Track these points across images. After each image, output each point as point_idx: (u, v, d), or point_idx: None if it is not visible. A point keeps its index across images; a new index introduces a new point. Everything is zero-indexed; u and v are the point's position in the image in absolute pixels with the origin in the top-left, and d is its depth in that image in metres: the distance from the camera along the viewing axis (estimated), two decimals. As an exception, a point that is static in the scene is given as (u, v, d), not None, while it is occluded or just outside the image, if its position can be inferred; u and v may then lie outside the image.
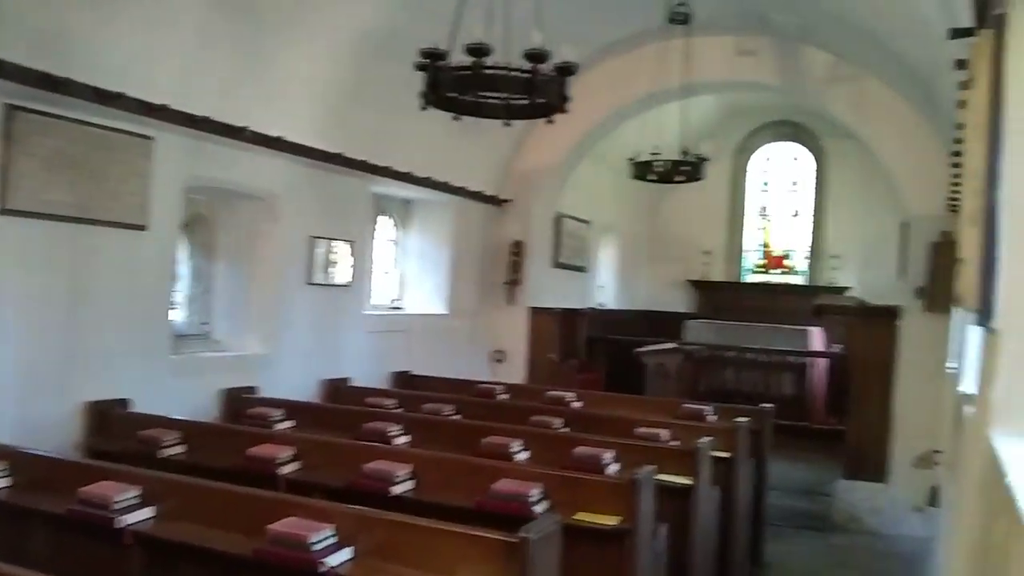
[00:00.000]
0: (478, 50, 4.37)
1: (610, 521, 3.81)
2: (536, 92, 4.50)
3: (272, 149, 6.38)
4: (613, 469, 4.75)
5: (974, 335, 3.89)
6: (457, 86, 4.58)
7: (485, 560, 2.91)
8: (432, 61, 4.54)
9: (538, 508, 3.87)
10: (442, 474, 4.27)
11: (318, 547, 3.02)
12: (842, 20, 7.03)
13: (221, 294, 6.79)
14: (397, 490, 4.14)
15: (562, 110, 4.73)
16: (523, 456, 4.99)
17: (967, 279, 2.35)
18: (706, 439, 4.92)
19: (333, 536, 3.12)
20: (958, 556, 2.55)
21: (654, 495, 4.02)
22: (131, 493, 3.50)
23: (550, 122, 4.99)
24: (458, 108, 4.91)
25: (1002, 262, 2.24)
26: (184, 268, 6.62)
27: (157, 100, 5.29)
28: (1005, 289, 2.23)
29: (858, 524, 7.76)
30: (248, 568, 3.14)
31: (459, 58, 4.51)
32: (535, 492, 3.90)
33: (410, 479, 4.25)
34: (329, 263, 7.26)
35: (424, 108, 4.76)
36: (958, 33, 2.97)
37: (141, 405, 5.41)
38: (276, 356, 6.77)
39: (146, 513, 3.47)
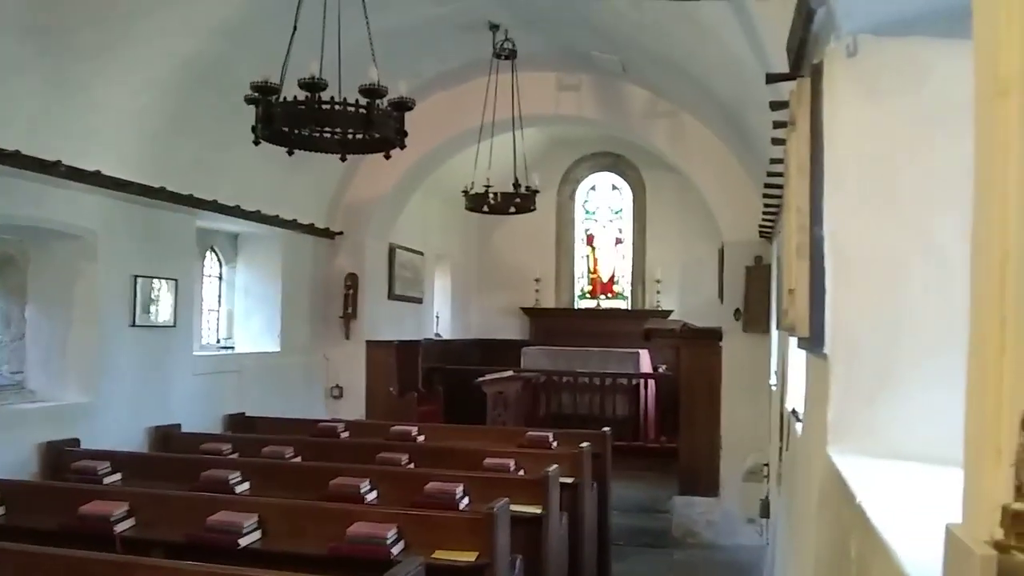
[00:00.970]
0: (312, 85, 4.33)
1: (468, 557, 3.80)
2: (373, 128, 4.50)
3: (89, 184, 6.00)
4: (465, 503, 4.76)
5: (797, 356, 4.18)
6: (291, 121, 4.50)
7: (347, 610, 2.84)
8: (264, 95, 4.45)
9: (395, 550, 3.81)
10: (291, 521, 4.13)
11: (167, 611, 2.85)
12: (659, 59, 7.43)
13: (35, 340, 6.29)
14: (244, 542, 3.97)
15: (400, 145, 4.75)
16: (372, 496, 4.91)
17: (798, 308, 2.53)
18: (553, 467, 5.01)
19: (182, 598, 2.95)
20: (803, 569, 2.72)
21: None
22: (-52, 568, 3.18)
23: (387, 157, 4.99)
24: (292, 143, 4.82)
25: (828, 293, 2.42)
26: (-10, 314, 6.10)
27: (-42, 134, 4.89)
28: (832, 318, 2.41)
29: (696, 538, 8.13)
30: (89, 641, 2.92)
31: (292, 91, 4.45)
32: (391, 533, 3.85)
33: (257, 529, 4.09)
34: (153, 303, 6.90)
35: (256, 143, 4.65)
36: (774, 78, 3.20)
37: (-52, 466, 4.93)
38: (99, 404, 6.33)
39: (-35, 589, 3.16)
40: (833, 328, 2.41)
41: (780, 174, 4.95)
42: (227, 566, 3.19)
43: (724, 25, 4.95)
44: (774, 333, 6.93)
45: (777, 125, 3.87)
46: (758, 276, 8.04)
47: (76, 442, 5.99)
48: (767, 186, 5.40)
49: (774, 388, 6.34)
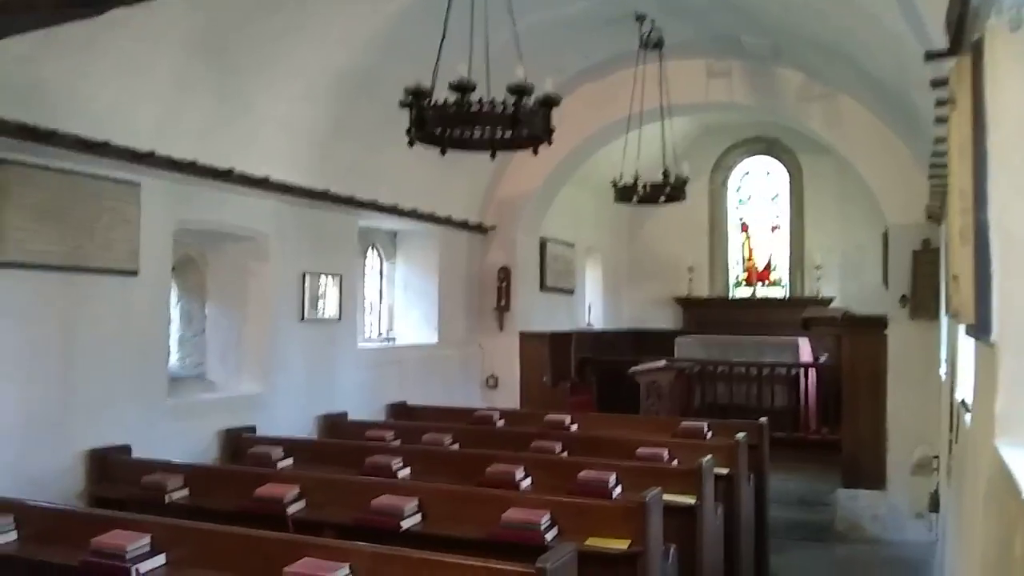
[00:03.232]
0: (462, 87, 4.46)
1: (621, 545, 3.85)
2: (521, 125, 4.58)
3: (259, 189, 6.41)
4: (618, 492, 4.80)
5: (967, 344, 3.98)
6: (443, 122, 4.65)
7: (504, 592, 2.94)
8: (416, 99, 4.62)
9: (549, 535, 3.91)
10: (450, 506, 4.30)
11: (336, 587, 3.05)
12: (812, 41, 7.18)
13: (214, 335, 6.80)
14: (406, 524, 4.16)
15: (547, 141, 4.82)
16: (527, 483, 5.03)
17: (963, 295, 2.42)
18: (708, 457, 4.97)
19: (350, 575, 3.14)
20: (970, 568, 2.61)
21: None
22: (142, 541, 3.51)
23: (535, 153, 5.08)
24: (444, 143, 4.98)
25: (995, 279, 2.31)
26: (175, 311, 6.63)
27: (142, 147, 5.32)
28: (999, 305, 2.30)
29: (859, 532, 7.84)
30: (268, 612, 3.15)
31: (443, 94, 4.60)
32: (545, 520, 3.94)
33: (418, 512, 4.28)
34: (320, 299, 7.30)
35: (411, 144, 4.84)
36: (933, 55, 3.06)
37: (140, 450, 5.41)
38: (272, 395, 6.77)
39: (158, 561, 3.48)
40: (1000, 315, 2.31)
41: (944, 153, 4.72)
42: (391, 547, 3.36)
43: (880, 1, 4.75)
44: (943, 320, 6.58)
45: (940, 103, 3.70)
46: (926, 260, 7.65)
47: (252, 429, 6.43)
48: (933, 166, 5.13)
49: (944, 377, 6.02)
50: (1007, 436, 2.25)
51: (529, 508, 4.06)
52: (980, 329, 2.41)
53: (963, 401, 3.96)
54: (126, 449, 5.34)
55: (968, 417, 3.53)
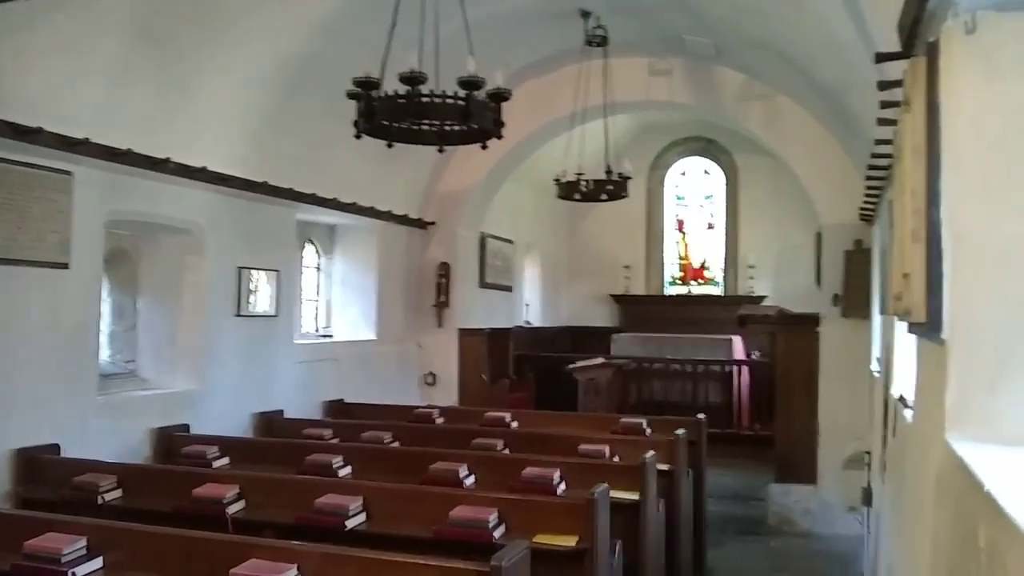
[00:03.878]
0: (412, 79, 4.39)
1: (569, 542, 3.84)
2: (472, 119, 4.54)
3: (196, 180, 6.24)
4: (562, 488, 4.80)
5: (907, 342, 4.07)
6: (392, 114, 4.58)
7: (456, 591, 2.90)
8: (365, 90, 4.54)
9: (497, 533, 3.88)
10: (395, 504, 4.24)
11: (284, 589, 2.97)
12: (754, 41, 7.28)
13: (146, 331, 6.59)
14: (351, 524, 4.09)
15: (498, 136, 4.78)
16: (471, 481, 4.99)
17: (913, 293, 2.46)
18: (651, 454, 5.00)
19: (298, 576, 3.06)
20: (918, 558, 2.66)
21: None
22: (78, 544, 3.36)
23: (484, 147, 5.04)
24: (392, 135, 4.90)
25: (946, 278, 2.35)
26: (106, 305, 6.40)
27: (76, 134, 5.13)
28: (950, 303, 2.34)
29: (792, 526, 8.00)
30: (212, 615, 3.06)
31: (392, 85, 4.52)
32: (492, 517, 3.91)
33: (362, 511, 4.21)
34: (256, 293, 7.13)
35: (358, 137, 4.74)
36: (884, 57, 3.12)
37: (70, 450, 5.21)
38: (206, 391, 6.59)
39: (96, 564, 3.34)
40: (951, 313, 2.35)
41: (886, 155, 4.82)
42: (341, 547, 3.29)
43: (825, 3, 4.83)
44: (876, 318, 6.75)
45: (885, 105, 3.77)
46: (858, 260, 7.83)
47: (186, 428, 6.25)
48: (871, 168, 5.25)
49: (877, 374, 6.17)
50: (958, 431, 2.29)
51: (476, 506, 4.02)
52: (931, 327, 2.45)
53: (901, 397, 4.05)
54: (55, 448, 5.13)
55: (909, 413, 3.62)
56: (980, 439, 2.20)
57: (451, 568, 2.96)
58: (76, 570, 3.24)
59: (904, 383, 4.28)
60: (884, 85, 3.47)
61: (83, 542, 3.38)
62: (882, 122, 4.09)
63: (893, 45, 3.08)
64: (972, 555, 1.70)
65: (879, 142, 4.56)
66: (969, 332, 2.31)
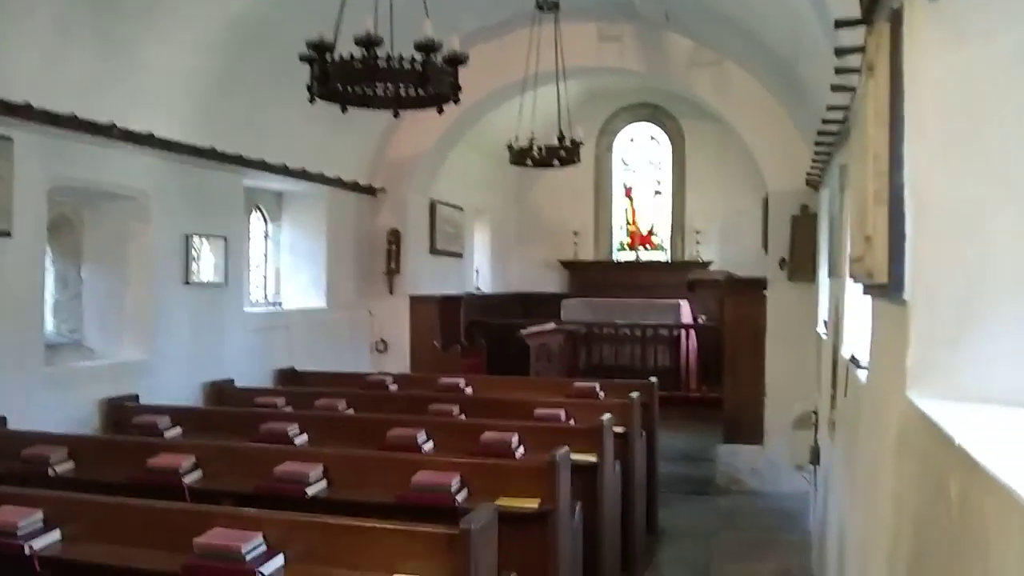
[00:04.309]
0: (369, 41, 4.31)
1: (531, 504, 3.88)
2: (429, 83, 4.48)
3: (141, 146, 6.07)
4: (520, 452, 4.84)
5: (859, 304, 4.17)
6: (347, 78, 4.50)
7: (425, 555, 2.92)
8: (319, 53, 4.44)
9: (460, 497, 3.90)
10: (355, 471, 4.23)
11: (251, 556, 2.95)
12: (704, 7, 7.31)
13: (91, 300, 6.43)
14: (312, 491, 4.07)
15: (454, 100, 4.73)
16: (429, 446, 5.00)
17: (876, 255, 2.52)
18: (607, 416, 5.06)
19: (262, 544, 3.04)
20: (877, 514, 2.75)
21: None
22: (34, 517, 3.29)
23: (440, 112, 4.99)
24: (346, 100, 4.81)
25: (908, 240, 2.41)
26: (48, 275, 6.22)
27: (16, 98, 4.94)
28: (912, 264, 2.40)
29: (740, 485, 8.20)
30: (178, 585, 3.02)
31: (345, 49, 4.44)
32: (455, 481, 3.93)
33: (323, 479, 4.19)
34: (204, 261, 6.99)
35: (312, 101, 4.66)
36: (844, 23, 3.15)
37: (17, 422, 5.07)
38: (155, 361, 6.47)
39: (53, 536, 3.28)
40: (913, 274, 2.41)
41: (837, 121, 4.90)
42: (306, 513, 3.27)
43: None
44: (823, 281, 6.89)
45: (840, 71, 3.82)
46: (804, 225, 7.98)
47: (135, 398, 6.14)
48: (821, 133, 5.33)
49: (824, 336, 6.31)
50: (919, 388, 2.36)
51: (437, 471, 4.03)
52: (892, 288, 2.51)
53: (852, 357, 4.15)
54: (1, 421, 4.99)
55: (862, 373, 3.71)
56: (941, 396, 2.27)
57: (419, 532, 2.97)
58: (33, 543, 3.18)
59: (855, 344, 4.39)
60: (841, 52, 3.52)
61: (39, 514, 3.31)
62: (836, 88, 4.14)
63: (849, 12, 3.11)
64: (942, 508, 1.76)
65: (831, 108, 4.63)
66: (930, 292, 2.37)
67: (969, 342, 2.31)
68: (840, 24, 3.20)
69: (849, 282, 4.36)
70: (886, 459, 2.66)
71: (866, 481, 3.20)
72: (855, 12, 3.02)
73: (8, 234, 5.09)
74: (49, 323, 6.20)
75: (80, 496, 3.54)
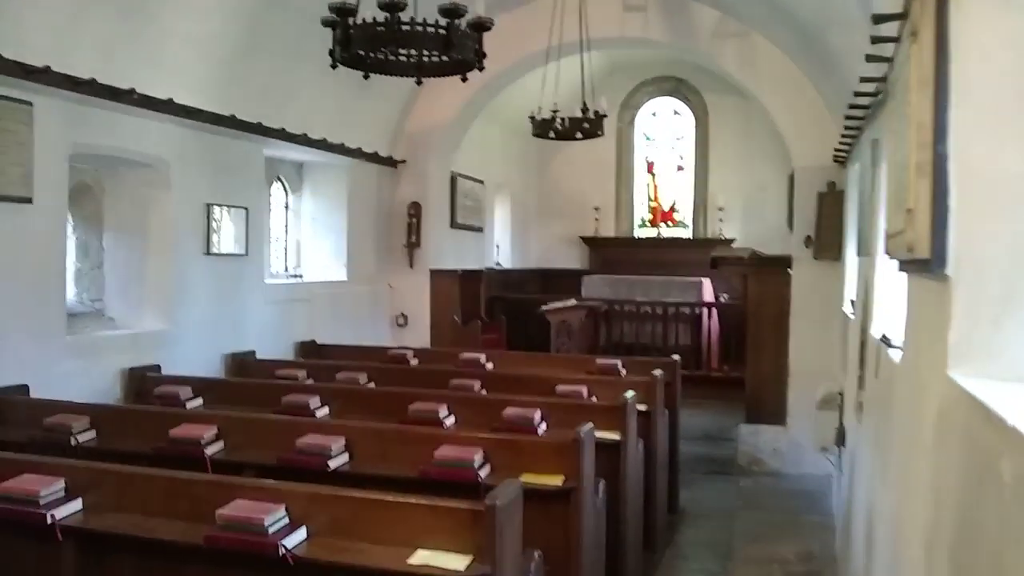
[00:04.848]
0: (392, 5, 4.23)
1: (555, 481, 3.83)
2: (453, 49, 4.39)
3: (161, 112, 6.02)
4: (543, 428, 4.79)
5: (893, 281, 4.07)
6: (370, 43, 4.42)
7: (450, 531, 2.87)
8: (341, 16, 4.37)
9: (483, 473, 3.86)
10: (377, 445, 4.19)
11: (274, 529, 2.92)
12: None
13: (113, 269, 6.42)
14: (334, 464, 4.04)
15: (479, 67, 4.65)
16: (451, 421, 4.96)
17: (917, 228, 2.43)
18: (631, 394, 5.00)
19: (285, 517, 3.01)
20: (914, 496, 2.67)
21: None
22: (56, 486, 3.28)
23: (464, 79, 4.90)
24: (368, 66, 4.74)
25: (952, 213, 2.32)
26: (70, 243, 6.21)
27: (36, 62, 4.90)
28: (956, 239, 2.31)
29: (762, 466, 8.12)
30: (199, 557, 3.00)
31: (368, 13, 4.36)
32: (478, 457, 3.89)
33: (345, 452, 4.16)
34: (225, 231, 6.96)
35: (334, 66, 4.58)
36: (885, -11, 3.04)
37: (39, 391, 5.08)
38: (176, 332, 6.46)
39: (75, 506, 3.26)
40: (957, 248, 2.32)
41: (870, 94, 4.77)
42: (329, 486, 3.24)
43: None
44: (851, 260, 6.77)
45: (876, 40, 3.70)
46: (831, 202, 7.84)
47: (157, 368, 6.14)
48: (852, 107, 5.19)
49: (851, 316, 6.21)
50: (961, 367, 2.28)
51: (460, 445, 3.99)
52: (935, 263, 2.42)
53: (884, 337, 4.06)
54: (23, 389, 5.00)
55: (895, 353, 3.62)
56: (985, 375, 2.19)
57: (444, 507, 2.93)
58: (55, 512, 3.16)
59: (887, 324, 4.30)
60: (878, 18, 3.40)
61: (61, 483, 3.29)
62: (871, 58, 4.02)
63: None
64: (991, 491, 1.69)
65: (864, 80, 4.50)
66: (974, 267, 2.28)
67: (1016, 319, 2.23)
68: (882, -10, 3.08)
69: (881, 260, 4.26)
70: (924, 441, 2.58)
71: (901, 464, 3.12)
72: (894, -23, 2.91)
73: (30, 200, 5.07)
74: (71, 292, 6.20)
75: (102, 465, 3.51)
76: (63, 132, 5.34)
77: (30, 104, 5.04)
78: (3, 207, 4.92)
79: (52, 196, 5.29)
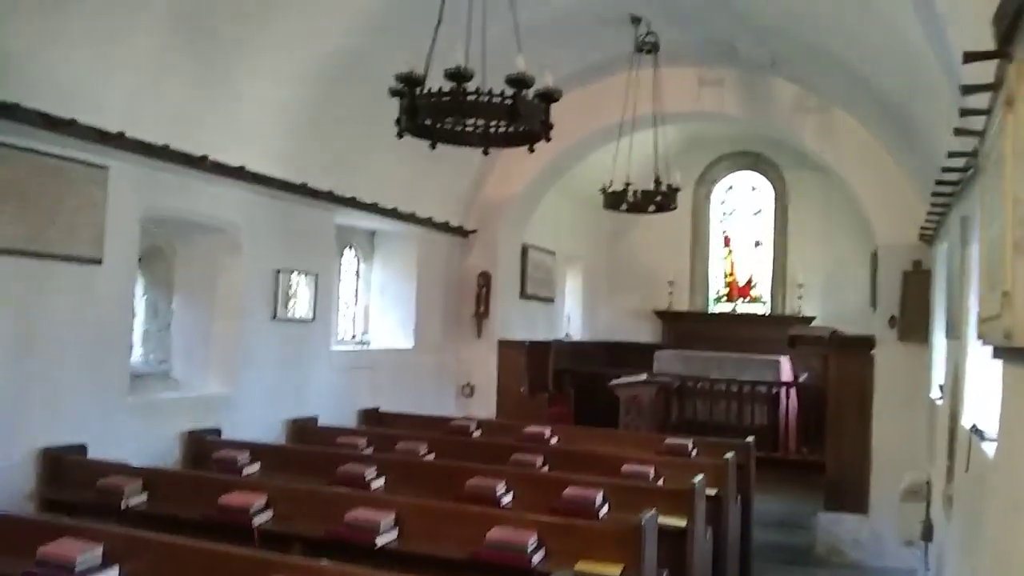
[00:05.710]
0: (459, 75, 4.19)
1: (613, 571, 3.59)
2: (518, 119, 4.33)
3: (233, 179, 6.10)
4: (604, 511, 4.55)
5: (984, 367, 3.78)
6: (436, 113, 4.38)
7: (493, 623, 2.67)
8: (408, 87, 4.35)
9: (535, 558, 3.64)
10: (429, 522, 4.02)
11: (308, 612, 2.77)
12: (811, 49, 7.01)
13: (180, 331, 6.46)
14: (382, 541, 3.88)
15: (546, 138, 4.56)
16: (508, 498, 4.76)
17: (1016, 313, 2.20)
18: (699, 477, 4.73)
19: (322, 599, 2.86)
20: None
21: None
22: (94, 551, 3.19)
23: (531, 150, 4.82)
24: (435, 136, 4.70)
25: (1055, 295, 2.09)
26: (140, 304, 6.29)
27: (111, 127, 5.00)
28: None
29: (841, 557, 7.65)
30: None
31: (436, 83, 4.33)
32: (532, 541, 3.68)
33: (394, 528, 4.00)
34: (293, 297, 6.98)
35: (400, 136, 4.55)
36: (975, 56, 2.85)
37: (98, 451, 5.07)
38: (239, 396, 6.44)
39: (111, 573, 3.17)
40: (1059, 336, 2.09)
41: (959, 169, 4.53)
42: (365, 568, 3.08)
43: (892, 1, 4.56)
44: (939, 342, 6.42)
45: (965, 112, 3.48)
46: (917, 282, 7.49)
47: (217, 432, 6.10)
48: (939, 183, 4.95)
49: (939, 402, 5.84)
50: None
51: (514, 527, 3.79)
52: (1035, 351, 2.19)
53: (975, 428, 3.75)
54: (82, 449, 4.99)
55: (989, 447, 3.32)
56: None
57: (488, 598, 2.73)
58: (90, 580, 3.07)
59: (978, 413, 3.98)
60: (968, 89, 3.19)
61: (99, 549, 3.21)
62: (959, 132, 3.81)
63: (978, 44, 2.81)
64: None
65: (952, 154, 4.27)
66: (1082, 358, 2.05)
67: None
68: (970, 57, 2.89)
69: (973, 344, 3.97)
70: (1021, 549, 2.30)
71: (1000, 568, 2.81)
72: (986, 44, 2.72)
73: (99, 261, 5.14)
74: (138, 352, 6.25)
75: (141, 533, 3.43)
76: (136, 196, 5.44)
77: (105, 168, 5.15)
78: (73, 267, 5.00)
79: (122, 258, 5.36)
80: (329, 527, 4.03)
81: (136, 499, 4.54)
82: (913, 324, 7.49)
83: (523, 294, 10.46)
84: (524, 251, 10.42)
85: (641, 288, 14.12)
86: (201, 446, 5.85)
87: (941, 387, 5.92)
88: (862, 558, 7.61)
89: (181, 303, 6.46)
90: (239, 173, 6.07)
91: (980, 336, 2.88)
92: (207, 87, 5.69)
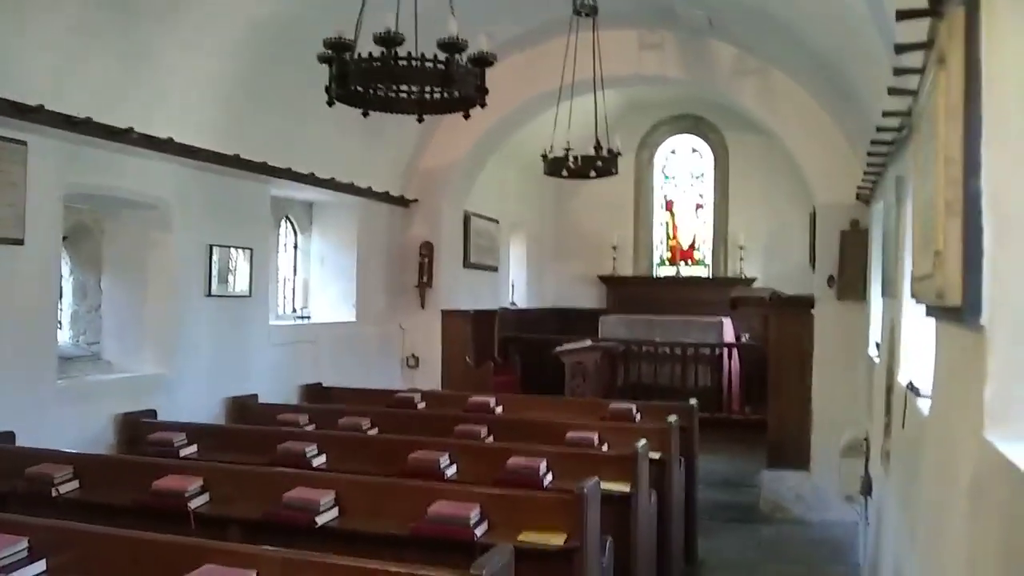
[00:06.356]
0: (389, 39, 4.07)
1: (557, 540, 3.57)
2: (452, 84, 4.23)
3: (161, 152, 5.88)
4: (549, 480, 4.53)
5: (919, 325, 3.82)
6: (366, 79, 4.26)
7: (433, 601, 2.63)
8: (337, 53, 4.21)
9: (479, 531, 3.60)
10: (370, 499, 3.95)
11: (243, 599, 2.68)
12: (749, 11, 6.98)
13: (110, 311, 6.26)
14: (322, 520, 3.80)
15: (480, 104, 4.48)
16: (452, 471, 4.72)
17: (947, 273, 2.19)
18: (643, 442, 4.73)
19: (258, 584, 2.77)
20: (949, 559, 2.40)
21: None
22: (19, 546, 3.06)
23: (467, 117, 4.72)
24: (367, 103, 4.58)
25: (987, 256, 2.08)
26: (68, 284, 6.07)
27: (30, 100, 4.77)
28: (991, 284, 2.07)
29: (784, 513, 7.79)
30: (163, 627, 2.77)
31: (367, 49, 4.20)
32: (475, 514, 3.63)
33: (334, 507, 3.92)
34: (228, 272, 6.80)
35: (331, 104, 4.42)
36: (907, 14, 2.82)
37: (26, 438, 4.87)
38: (175, 376, 6.27)
39: (37, 568, 3.03)
40: (992, 295, 2.08)
41: (894, 128, 4.54)
42: (304, 551, 3.00)
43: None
44: (876, 301, 6.50)
45: (899, 72, 3.47)
46: (854, 241, 7.58)
47: (153, 413, 5.94)
48: (875, 143, 4.97)
49: (876, 360, 5.93)
50: (999, 429, 2.03)
51: (457, 501, 3.74)
52: (967, 311, 2.18)
53: (911, 384, 3.79)
54: (9, 436, 4.79)
55: (924, 403, 3.36)
56: (1025, 439, 1.94)
57: (426, 575, 2.68)
58: (15, 575, 2.94)
59: (914, 370, 4.03)
60: (901, 48, 3.17)
61: (24, 543, 3.07)
62: (893, 91, 3.81)
63: (910, 2, 2.78)
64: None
65: (887, 114, 4.27)
66: (1013, 317, 2.04)
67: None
68: (903, 15, 2.86)
69: (908, 302, 4.00)
70: (956, 509, 2.31)
71: (930, 528, 2.84)
72: (919, 2, 2.69)
73: (21, 242, 4.92)
74: (67, 335, 6.04)
75: (68, 524, 3.30)
76: (58, 172, 5.20)
77: (23, 143, 4.91)
78: (-7, 248, 4.77)
79: (45, 238, 5.14)
80: (267, 508, 3.94)
81: (67, 487, 4.37)
82: (851, 283, 7.59)
83: (467, 263, 10.38)
84: (467, 219, 10.32)
85: (585, 254, 14.13)
86: (136, 429, 5.68)
87: (878, 345, 6.01)
88: (804, 513, 7.76)
89: (111, 282, 6.25)
90: (167, 145, 5.85)
91: (914, 295, 2.89)
92: (131, 59, 5.45)
